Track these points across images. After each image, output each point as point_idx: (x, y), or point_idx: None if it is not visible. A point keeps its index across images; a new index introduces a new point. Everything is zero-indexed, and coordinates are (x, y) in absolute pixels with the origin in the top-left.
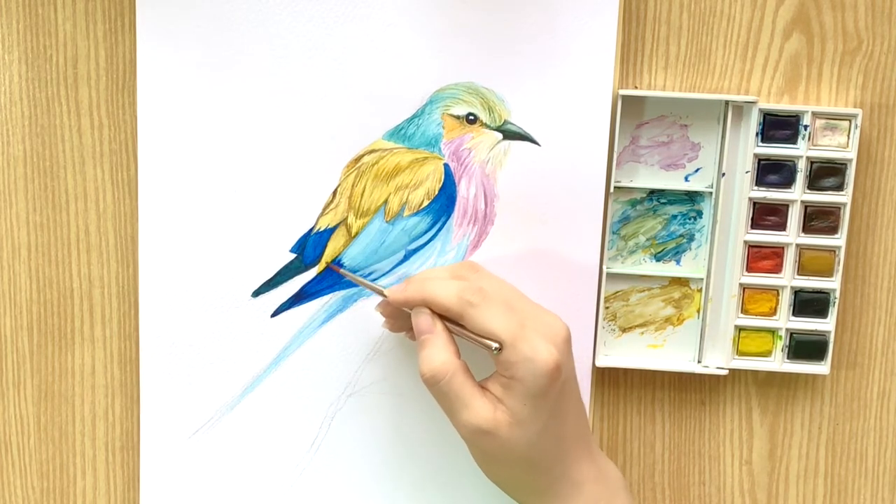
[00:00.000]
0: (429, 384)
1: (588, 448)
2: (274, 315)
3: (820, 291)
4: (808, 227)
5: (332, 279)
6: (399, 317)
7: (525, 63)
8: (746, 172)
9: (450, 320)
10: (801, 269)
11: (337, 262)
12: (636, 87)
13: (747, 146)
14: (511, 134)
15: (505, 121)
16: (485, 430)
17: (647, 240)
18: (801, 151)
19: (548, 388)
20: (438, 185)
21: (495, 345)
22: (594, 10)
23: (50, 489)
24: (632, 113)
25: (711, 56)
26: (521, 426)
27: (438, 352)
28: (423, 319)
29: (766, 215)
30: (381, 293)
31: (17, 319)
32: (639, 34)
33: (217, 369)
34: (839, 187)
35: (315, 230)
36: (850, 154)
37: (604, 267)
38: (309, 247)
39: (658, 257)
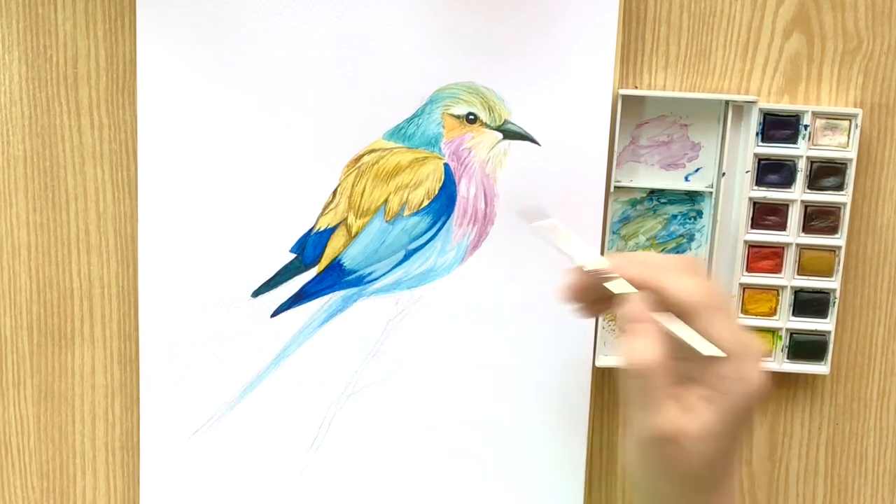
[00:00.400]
0: (632, 375)
1: (733, 480)
2: (274, 315)
3: (820, 291)
4: (808, 227)
5: (332, 279)
6: (588, 292)
7: (525, 63)
8: (746, 172)
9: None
10: (801, 269)
11: (337, 261)
12: (636, 87)
13: (747, 146)
14: (511, 134)
15: (505, 120)
16: (670, 436)
17: (648, 240)
18: (801, 151)
19: (749, 411)
20: (438, 185)
21: (721, 354)
22: (594, 10)
23: (50, 489)
24: (632, 113)
25: (711, 56)
26: (707, 441)
27: (652, 345)
28: (637, 307)
29: (766, 215)
30: (588, 267)
31: (17, 319)
32: (639, 34)
33: (217, 369)
34: (839, 187)
35: (315, 230)
36: (851, 154)
37: None
38: (309, 247)
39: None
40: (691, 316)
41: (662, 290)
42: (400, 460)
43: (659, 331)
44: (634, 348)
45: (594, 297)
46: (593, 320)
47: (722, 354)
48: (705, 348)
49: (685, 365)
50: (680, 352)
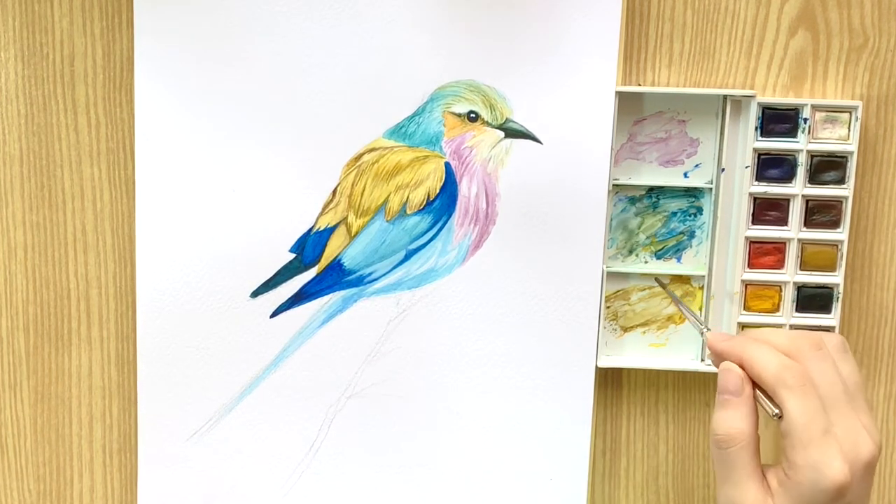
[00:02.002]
0: (718, 445)
1: None
2: (273, 315)
3: (823, 286)
4: (809, 222)
5: (332, 279)
6: None
7: (527, 60)
8: (746, 167)
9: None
10: (804, 265)
11: (337, 261)
12: (640, 85)
13: (747, 141)
14: (513, 132)
15: (506, 119)
16: None
17: (648, 237)
18: (801, 145)
19: (829, 501)
20: (439, 184)
21: (776, 411)
22: (597, 6)
23: (46, 492)
24: (629, 109)
25: (715, 53)
26: None
27: (740, 417)
28: (732, 379)
29: (767, 210)
30: (699, 329)
31: (14, 320)
32: (642, 31)
33: (215, 370)
34: (840, 181)
35: (315, 230)
36: (851, 147)
37: (604, 266)
38: (308, 246)
39: (659, 255)
40: (772, 392)
41: (746, 362)
42: (400, 462)
43: (751, 406)
44: (723, 418)
45: None
46: (595, 320)
47: (776, 412)
48: (764, 403)
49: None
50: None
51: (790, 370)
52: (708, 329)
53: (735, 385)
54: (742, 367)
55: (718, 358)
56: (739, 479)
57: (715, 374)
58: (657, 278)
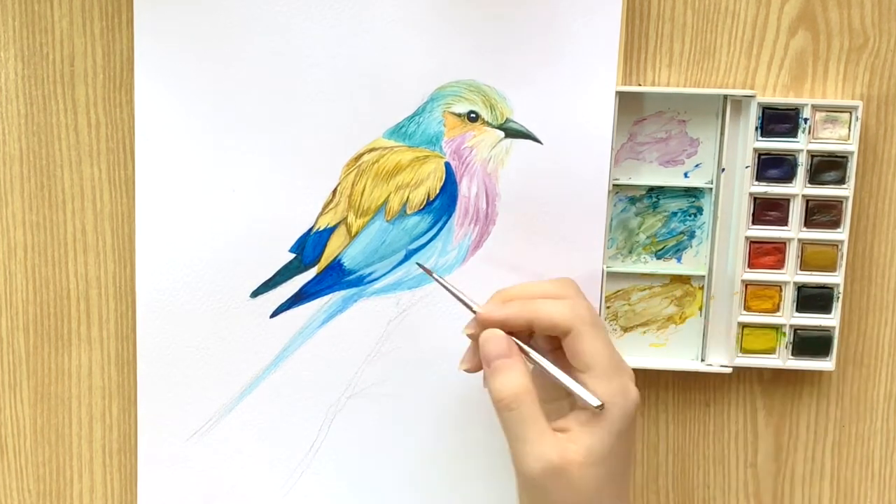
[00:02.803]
0: (507, 408)
1: (628, 497)
2: (273, 315)
3: (823, 286)
4: (809, 222)
5: (332, 279)
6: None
7: (527, 60)
8: (746, 167)
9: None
10: (804, 265)
11: (337, 261)
12: (640, 85)
13: (747, 141)
14: (513, 132)
15: (507, 119)
16: (556, 466)
17: (648, 238)
18: (801, 145)
19: (630, 426)
20: (439, 184)
21: (598, 403)
22: (597, 7)
23: (46, 492)
24: (629, 109)
25: (716, 53)
26: (594, 466)
27: (514, 378)
28: (498, 343)
29: (767, 210)
30: (469, 308)
31: (14, 320)
32: (642, 31)
33: (215, 371)
34: (841, 181)
35: (314, 230)
36: (852, 146)
37: (604, 266)
38: (308, 246)
39: (659, 255)
40: (565, 337)
41: (535, 319)
42: (400, 462)
43: (523, 363)
44: (499, 383)
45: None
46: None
47: (598, 403)
48: (583, 396)
49: (558, 392)
50: (552, 386)
51: (581, 309)
52: (478, 305)
53: (504, 348)
54: (532, 326)
55: (496, 326)
56: (534, 434)
57: (715, 374)
58: (418, 263)
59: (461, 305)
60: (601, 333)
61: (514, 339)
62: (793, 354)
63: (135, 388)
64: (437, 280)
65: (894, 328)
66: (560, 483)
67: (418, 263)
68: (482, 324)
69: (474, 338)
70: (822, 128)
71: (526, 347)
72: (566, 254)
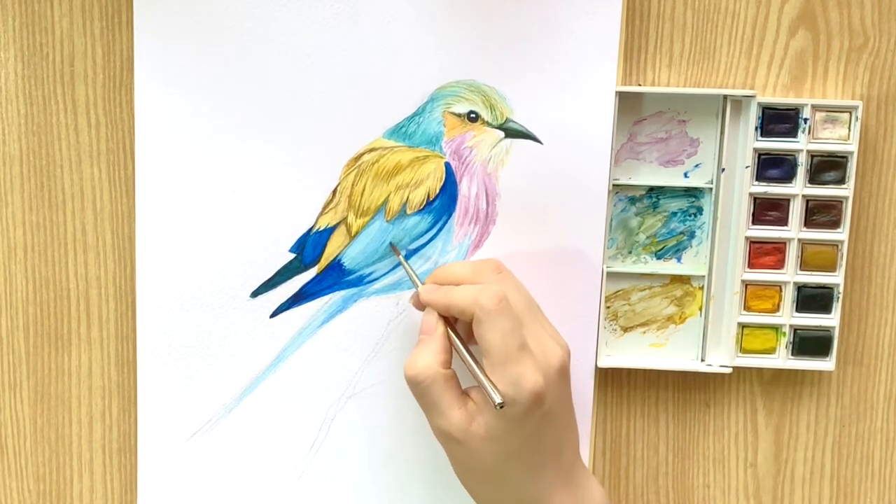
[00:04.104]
0: (409, 384)
1: (569, 478)
2: (273, 315)
3: (823, 286)
4: (809, 222)
5: (332, 279)
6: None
7: (527, 61)
8: (746, 167)
9: (465, 339)
10: (804, 265)
11: (337, 261)
12: (640, 85)
13: (747, 141)
14: (513, 132)
15: (507, 119)
16: (455, 438)
17: (648, 238)
18: (801, 145)
19: (525, 414)
20: (439, 184)
21: (498, 400)
22: (597, 6)
23: (46, 492)
24: (629, 109)
25: (716, 53)
26: (492, 442)
27: (426, 355)
28: (427, 320)
29: (767, 210)
30: (417, 288)
31: (14, 320)
32: (642, 31)
33: (215, 371)
34: (841, 181)
35: (315, 229)
36: (851, 146)
37: (604, 266)
38: (308, 246)
39: (659, 255)
40: (473, 323)
41: (449, 306)
42: (400, 462)
43: (444, 344)
44: (410, 360)
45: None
46: (595, 320)
47: (498, 400)
48: (487, 392)
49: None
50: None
51: (483, 292)
52: (422, 285)
53: (430, 325)
54: (449, 311)
55: (437, 314)
56: (441, 408)
57: (715, 374)
58: (391, 243)
59: None
60: (501, 321)
61: (443, 319)
62: (793, 354)
63: (135, 388)
64: (399, 258)
65: (894, 328)
66: (461, 451)
67: (391, 243)
68: (420, 300)
69: (418, 308)
70: (822, 128)
71: (450, 331)
72: (566, 254)
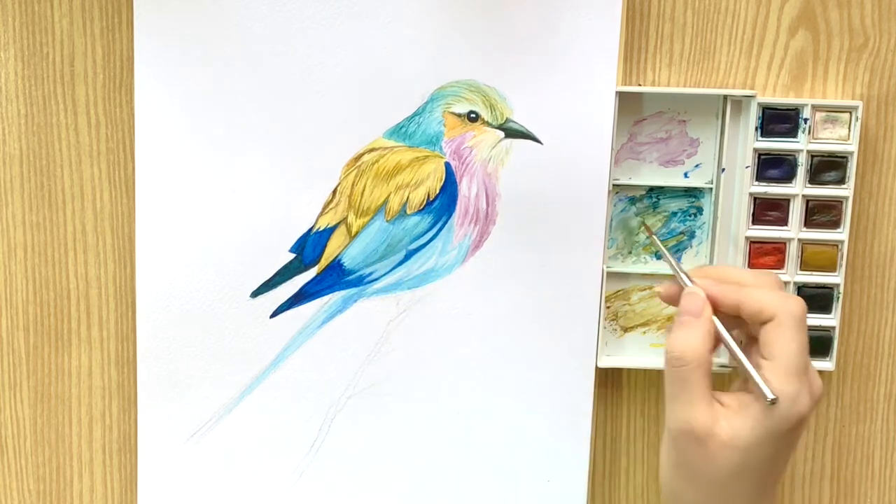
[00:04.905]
0: (670, 363)
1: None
2: (273, 316)
3: (823, 286)
4: (809, 222)
5: (332, 279)
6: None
7: (527, 61)
8: (746, 167)
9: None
10: (804, 265)
11: (337, 261)
12: (640, 85)
13: (747, 141)
14: (513, 132)
15: (507, 119)
16: (697, 435)
17: (648, 238)
18: (801, 145)
19: (783, 433)
20: (439, 184)
21: (771, 396)
22: (597, 7)
23: (46, 492)
24: (629, 109)
25: (716, 53)
26: (734, 450)
27: (697, 337)
28: (693, 300)
29: (767, 210)
30: (683, 282)
31: (14, 320)
32: (642, 31)
33: (215, 371)
34: (841, 181)
35: (315, 229)
36: (852, 147)
37: (604, 266)
38: (308, 246)
39: (659, 255)
40: (765, 324)
41: (744, 302)
42: (400, 462)
43: (710, 329)
44: (678, 338)
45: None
46: (596, 320)
47: (771, 396)
48: (760, 385)
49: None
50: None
51: (793, 299)
52: (692, 281)
53: (697, 307)
54: (739, 307)
55: (714, 305)
56: (691, 398)
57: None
58: (643, 223)
59: (461, 306)
60: (803, 333)
61: (709, 306)
62: None
63: (135, 388)
64: (658, 246)
65: (894, 328)
66: (696, 451)
67: (643, 223)
68: (690, 300)
69: (666, 300)
70: (822, 128)
71: (717, 321)
72: (566, 254)
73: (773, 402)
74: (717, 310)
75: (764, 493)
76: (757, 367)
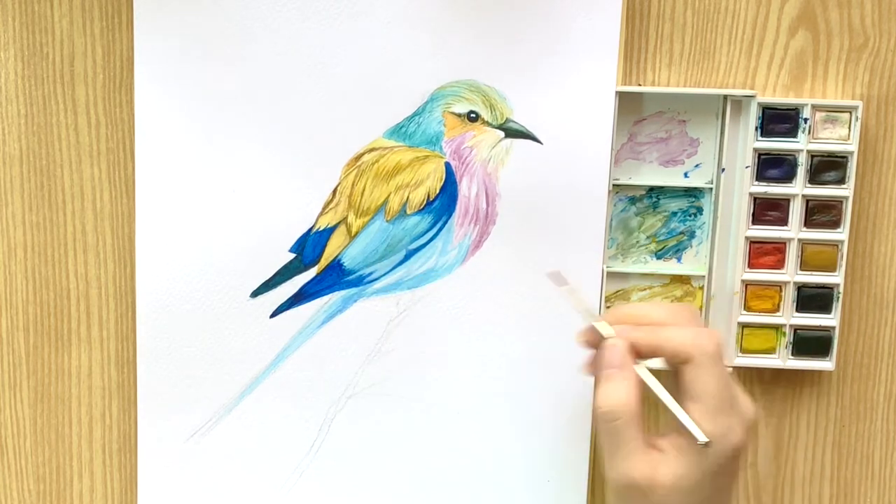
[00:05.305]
0: (602, 419)
1: None
2: (273, 315)
3: (823, 286)
4: (809, 222)
5: (332, 279)
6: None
7: (527, 60)
8: (746, 167)
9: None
10: (804, 265)
11: (337, 261)
12: (640, 85)
13: (747, 141)
14: (513, 132)
15: (507, 119)
16: (639, 486)
17: (648, 237)
18: (801, 145)
19: (723, 468)
20: (439, 184)
21: (704, 439)
22: (597, 6)
23: (46, 492)
24: (629, 109)
25: (716, 53)
26: (679, 493)
27: (622, 390)
28: (614, 353)
29: (767, 210)
30: (599, 330)
31: (14, 320)
32: (642, 31)
33: (215, 370)
34: (841, 181)
35: (314, 229)
36: (852, 146)
37: (604, 266)
38: (308, 246)
39: (659, 255)
40: (683, 365)
41: (662, 345)
42: (400, 462)
43: (635, 379)
44: (605, 393)
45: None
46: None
47: (704, 439)
48: (690, 429)
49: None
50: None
51: (704, 335)
52: (606, 324)
53: (618, 359)
54: (656, 351)
55: (634, 348)
56: (628, 451)
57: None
58: (550, 273)
59: (461, 306)
60: (720, 369)
61: (630, 355)
62: (793, 354)
63: (135, 388)
64: (572, 299)
65: (894, 328)
66: (642, 501)
67: (549, 273)
68: (607, 345)
69: (586, 346)
70: (822, 128)
71: (643, 368)
72: (566, 254)
73: (707, 444)
74: (640, 354)
75: None
76: (686, 408)
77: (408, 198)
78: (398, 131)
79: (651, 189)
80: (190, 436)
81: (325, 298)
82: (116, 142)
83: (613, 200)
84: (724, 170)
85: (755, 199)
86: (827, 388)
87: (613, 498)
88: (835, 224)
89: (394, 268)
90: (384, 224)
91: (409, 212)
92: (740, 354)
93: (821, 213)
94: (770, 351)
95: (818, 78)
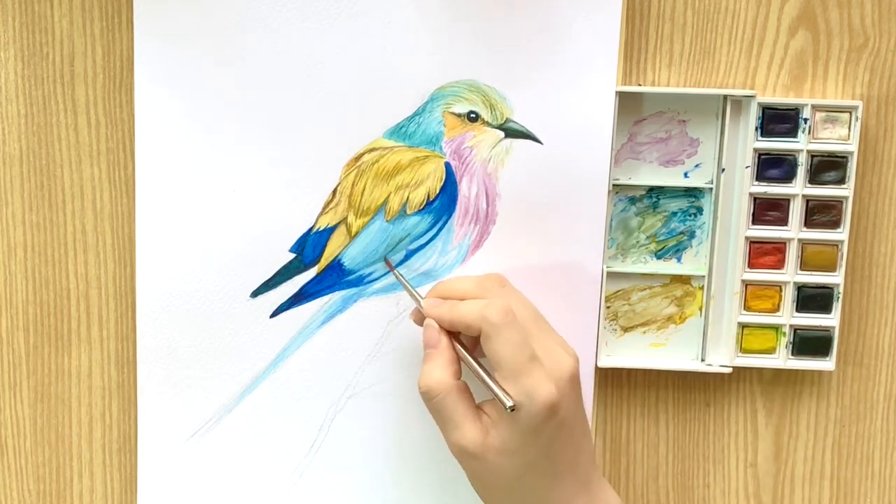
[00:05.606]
0: (423, 399)
1: (586, 485)
2: (273, 315)
3: (823, 286)
4: (809, 222)
5: (332, 279)
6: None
7: (527, 60)
8: (746, 167)
9: (469, 349)
10: (804, 265)
11: (337, 261)
12: (640, 85)
13: (747, 141)
14: (513, 132)
15: (507, 119)
16: (471, 452)
17: (648, 238)
18: (801, 145)
19: (541, 425)
20: (439, 184)
21: (510, 403)
22: (597, 6)
23: (46, 492)
24: (629, 109)
25: (716, 53)
26: (508, 455)
27: (437, 368)
28: (430, 333)
29: (767, 210)
30: (418, 303)
31: (14, 320)
32: (642, 31)
33: (215, 371)
34: (841, 181)
35: (315, 229)
36: (852, 146)
37: (604, 266)
38: (308, 246)
39: (659, 255)
40: (481, 337)
41: (455, 321)
42: (400, 463)
43: (450, 356)
44: (423, 373)
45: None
46: (596, 320)
47: (510, 404)
48: (498, 397)
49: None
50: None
51: (489, 307)
52: (423, 299)
53: (433, 338)
54: (454, 326)
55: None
56: (455, 422)
57: (715, 374)
58: (386, 258)
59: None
60: (510, 334)
61: (445, 331)
62: (793, 354)
63: (135, 388)
64: (394, 273)
65: (894, 328)
66: (479, 466)
67: (385, 258)
68: (424, 314)
69: (417, 323)
70: (822, 128)
71: (457, 344)
72: (566, 254)
73: (513, 408)
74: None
75: (558, 478)
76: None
77: (408, 198)
78: (398, 131)
79: (651, 189)
80: (190, 436)
81: (325, 298)
82: (116, 142)
83: (613, 200)
84: (724, 170)
85: (755, 199)
86: (827, 388)
87: (462, 468)
88: (835, 224)
89: (393, 268)
90: (384, 224)
91: (409, 212)
92: (740, 354)
93: (821, 213)
94: (770, 351)
95: (818, 78)
